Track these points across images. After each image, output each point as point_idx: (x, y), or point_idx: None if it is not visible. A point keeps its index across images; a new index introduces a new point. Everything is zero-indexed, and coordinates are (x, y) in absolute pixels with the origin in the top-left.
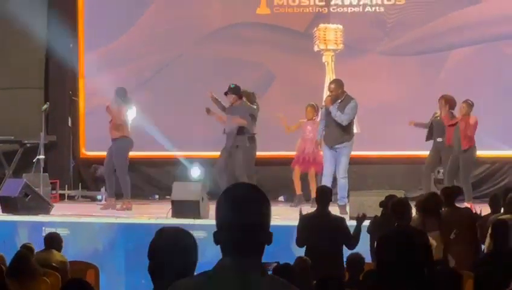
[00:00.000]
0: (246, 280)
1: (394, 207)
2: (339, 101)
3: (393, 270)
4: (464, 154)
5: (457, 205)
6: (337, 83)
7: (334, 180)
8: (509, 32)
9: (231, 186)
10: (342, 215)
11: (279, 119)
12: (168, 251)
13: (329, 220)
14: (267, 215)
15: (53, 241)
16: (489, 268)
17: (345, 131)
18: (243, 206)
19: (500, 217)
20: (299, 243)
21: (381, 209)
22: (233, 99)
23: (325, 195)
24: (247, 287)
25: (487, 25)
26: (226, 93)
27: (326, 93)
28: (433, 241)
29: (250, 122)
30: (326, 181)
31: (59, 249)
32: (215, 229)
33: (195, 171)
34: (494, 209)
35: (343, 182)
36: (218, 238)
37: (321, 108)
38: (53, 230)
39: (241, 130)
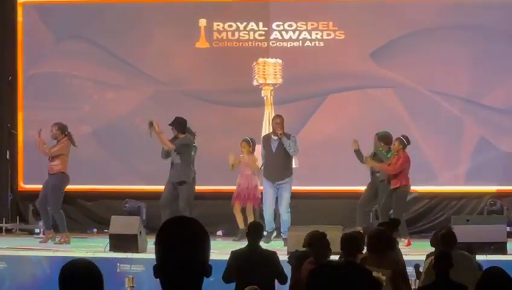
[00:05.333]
0: None
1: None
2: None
3: None
4: (395, 192)
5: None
6: (282, 117)
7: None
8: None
9: (169, 221)
10: (274, 250)
11: (230, 158)
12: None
13: (261, 256)
14: (205, 250)
15: None
16: None
17: (286, 167)
18: (180, 243)
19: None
20: (227, 278)
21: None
22: (175, 133)
23: (256, 230)
24: None
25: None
26: (170, 125)
27: (265, 126)
28: (381, 277)
29: (192, 156)
30: (269, 217)
31: None
32: (155, 263)
33: None
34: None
35: (286, 217)
36: (157, 272)
37: (275, 137)
38: None
39: (188, 166)
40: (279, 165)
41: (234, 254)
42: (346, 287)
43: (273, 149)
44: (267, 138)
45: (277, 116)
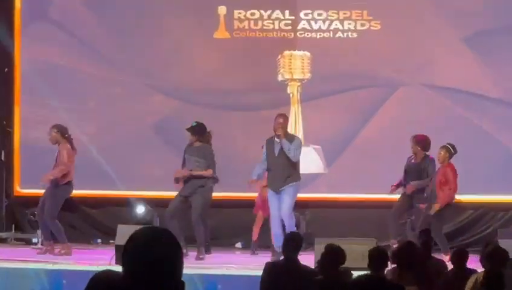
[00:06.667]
0: None
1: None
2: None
3: None
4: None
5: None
6: (285, 117)
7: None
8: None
9: (138, 232)
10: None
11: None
12: None
13: (300, 271)
14: (177, 267)
15: None
16: None
17: (290, 172)
18: (149, 259)
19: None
20: None
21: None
22: (193, 138)
23: (294, 241)
24: None
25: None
26: (188, 129)
27: (292, 127)
28: None
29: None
30: (275, 225)
31: None
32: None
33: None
34: (457, 265)
35: (289, 222)
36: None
37: (278, 140)
38: None
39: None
40: (282, 170)
41: (269, 266)
42: None
43: (275, 152)
44: (270, 141)
45: (280, 115)
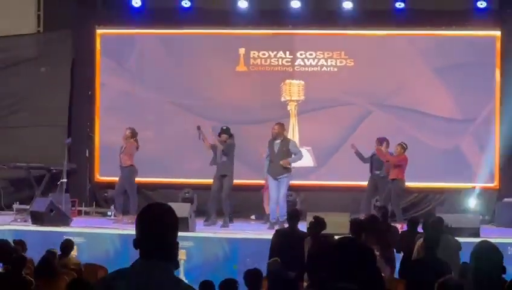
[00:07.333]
0: (149, 276)
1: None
2: (280, 140)
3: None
4: (393, 184)
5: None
6: (280, 124)
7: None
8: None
9: (146, 206)
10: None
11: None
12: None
13: (298, 235)
14: (171, 229)
15: (68, 245)
16: (421, 273)
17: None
18: (151, 223)
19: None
20: (271, 255)
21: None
22: (225, 138)
23: (295, 215)
24: (149, 282)
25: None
26: (219, 135)
27: (290, 134)
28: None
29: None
30: (272, 205)
31: (70, 251)
32: (135, 237)
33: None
34: (411, 228)
35: (283, 203)
36: (136, 244)
37: (277, 141)
38: (71, 238)
39: (231, 163)
40: (279, 164)
41: (278, 232)
42: (355, 258)
43: (275, 150)
44: (271, 142)
45: (276, 123)
